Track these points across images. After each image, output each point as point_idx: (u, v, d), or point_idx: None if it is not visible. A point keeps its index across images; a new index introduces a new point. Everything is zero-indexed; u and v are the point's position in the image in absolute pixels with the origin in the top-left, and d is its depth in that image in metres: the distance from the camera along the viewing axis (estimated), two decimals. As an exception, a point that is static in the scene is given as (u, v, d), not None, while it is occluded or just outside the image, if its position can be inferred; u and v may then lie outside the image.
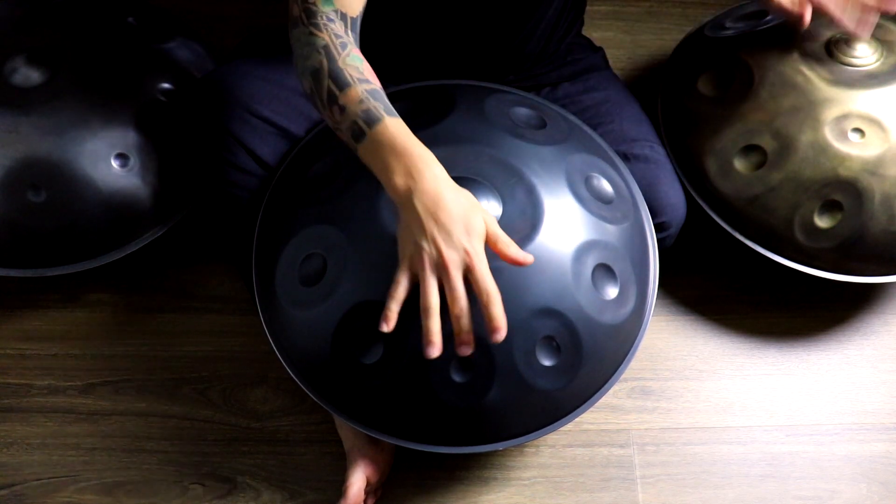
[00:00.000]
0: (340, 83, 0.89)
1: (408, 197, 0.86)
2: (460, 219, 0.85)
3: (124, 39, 1.27)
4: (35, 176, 1.16)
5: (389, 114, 0.89)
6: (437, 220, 0.85)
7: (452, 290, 0.85)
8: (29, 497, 1.15)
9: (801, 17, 1.16)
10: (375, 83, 0.91)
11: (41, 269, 1.20)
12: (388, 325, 0.87)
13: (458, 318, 0.86)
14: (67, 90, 1.19)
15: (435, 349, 0.86)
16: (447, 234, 0.85)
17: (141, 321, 1.29)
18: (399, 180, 0.87)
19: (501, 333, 0.86)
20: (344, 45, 0.91)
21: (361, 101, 0.88)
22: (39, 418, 1.21)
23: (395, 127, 0.88)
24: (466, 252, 0.85)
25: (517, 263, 0.88)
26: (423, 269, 0.85)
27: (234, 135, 1.09)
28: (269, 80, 1.12)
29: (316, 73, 0.90)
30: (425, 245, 0.85)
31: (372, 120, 0.88)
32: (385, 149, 0.87)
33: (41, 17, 1.25)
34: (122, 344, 1.27)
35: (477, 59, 1.20)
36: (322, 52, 0.91)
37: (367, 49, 1.20)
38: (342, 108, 0.89)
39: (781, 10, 1.18)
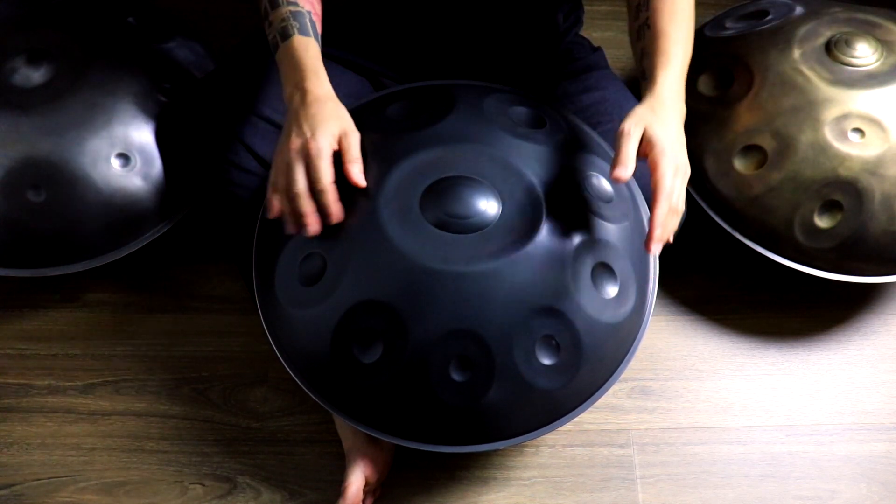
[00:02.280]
0: (273, 3, 1.03)
1: (289, 99, 0.98)
2: (314, 116, 0.95)
3: (124, 39, 1.27)
4: (35, 176, 1.16)
5: (301, 33, 1.00)
6: (297, 118, 0.96)
7: (287, 170, 0.95)
8: (29, 497, 1.15)
9: (616, 165, 0.93)
10: (304, 7, 1.02)
11: (41, 269, 1.20)
12: (271, 213, 0.96)
13: (291, 199, 0.95)
14: (67, 90, 1.19)
15: (276, 215, 0.96)
16: (299, 126, 0.95)
17: (141, 321, 1.29)
18: (288, 89, 0.99)
19: (333, 217, 0.96)
20: None
21: (283, 20, 1.01)
22: (39, 418, 1.21)
23: (300, 43, 1.00)
24: (306, 138, 0.94)
25: (352, 181, 0.95)
26: (278, 153, 0.97)
27: (236, 134, 1.09)
28: (269, 80, 1.12)
29: None
30: (282, 138, 0.97)
31: (285, 35, 1.00)
32: (286, 61, 1.00)
33: (41, 17, 1.25)
34: (122, 344, 1.27)
35: (477, 59, 1.20)
36: None
37: (368, 49, 1.21)
38: (270, 24, 1.03)
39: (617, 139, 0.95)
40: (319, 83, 0.98)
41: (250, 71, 1.13)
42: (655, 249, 0.93)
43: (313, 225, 0.95)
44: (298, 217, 0.95)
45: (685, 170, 0.97)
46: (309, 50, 1.00)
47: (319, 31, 1.05)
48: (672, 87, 0.99)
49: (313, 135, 0.94)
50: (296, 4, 1.02)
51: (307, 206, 0.95)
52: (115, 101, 1.20)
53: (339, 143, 0.96)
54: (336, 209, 0.96)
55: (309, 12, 1.03)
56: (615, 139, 0.94)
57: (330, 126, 0.95)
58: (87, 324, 1.28)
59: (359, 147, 0.97)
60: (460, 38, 1.18)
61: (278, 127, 1.11)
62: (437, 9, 1.14)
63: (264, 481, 1.17)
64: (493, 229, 0.97)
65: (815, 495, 1.19)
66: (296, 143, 0.94)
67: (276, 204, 0.96)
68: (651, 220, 0.92)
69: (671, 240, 0.96)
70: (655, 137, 0.94)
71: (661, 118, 0.96)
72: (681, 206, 0.96)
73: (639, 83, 1.04)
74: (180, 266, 1.33)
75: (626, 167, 0.92)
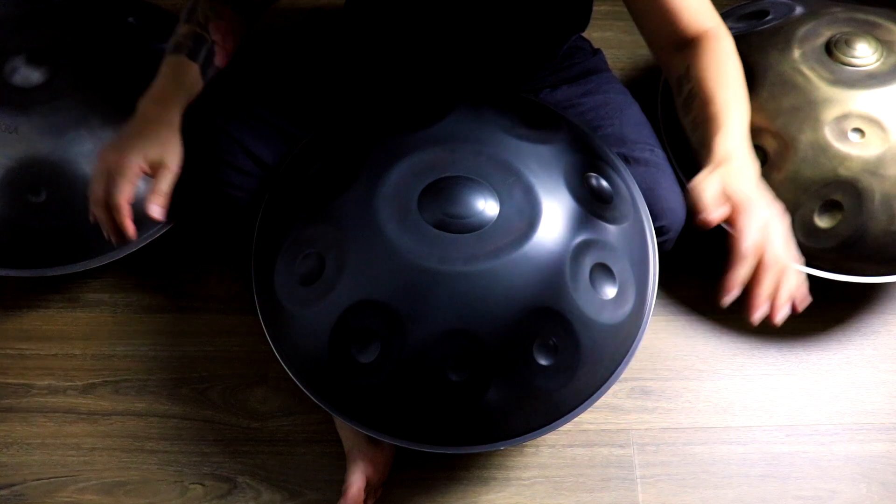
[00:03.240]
0: (189, 16, 1.06)
1: (136, 107, 1.01)
2: (135, 134, 0.97)
3: (124, 39, 1.27)
4: (35, 176, 1.16)
5: (189, 56, 1.03)
6: (128, 129, 0.99)
7: (93, 178, 0.97)
8: (29, 497, 1.15)
9: (704, 223, 0.86)
10: (213, 37, 1.05)
11: (41, 269, 1.20)
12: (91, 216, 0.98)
13: (90, 205, 0.97)
14: (67, 90, 1.19)
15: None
16: (120, 139, 0.98)
17: (141, 321, 1.29)
18: (145, 97, 1.02)
19: (119, 238, 0.98)
20: None
21: (185, 35, 1.05)
22: (39, 418, 1.21)
23: (178, 64, 1.03)
24: (117, 154, 0.95)
25: (147, 210, 0.96)
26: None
27: (232, 136, 1.09)
28: (268, 81, 1.12)
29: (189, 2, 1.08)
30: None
31: (175, 49, 1.04)
32: (161, 73, 1.03)
33: (41, 17, 1.26)
34: (122, 344, 1.27)
35: (476, 62, 1.20)
36: None
37: (368, 52, 1.21)
38: (175, 32, 1.06)
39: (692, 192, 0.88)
40: (166, 107, 1.00)
41: (249, 72, 1.13)
42: (757, 318, 0.83)
43: (113, 235, 0.98)
44: (101, 224, 0.98)
45: (776, 222, 0.85)
46: (184, 74, 1.02)
47: (220, 62, 1.07)
48: (733, 144, 0.89)
49: (126, 152, 0.95)
50: (206, 30, 1.05)
51: (101, 215, 0.97)
52: (115, 101, 1.20)
53: (153, 170, 0.97)
54: (128, 227, 0.96)
55: (213, 43, 1.05)
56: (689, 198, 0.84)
57: (147, 149, 0.96)
58: (87, 324, 1.28)
59: (169, 182, 0.97)
60: (462, 39, 1.18)
61: (275, 127, 1.12)
62: (441, 12, 1.14)
63: (264, 481, 1.17)
64: (492, 229, 0.97)
65: (815, 495, 1.19)
66: (109, 153, 0.96)
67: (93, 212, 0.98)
68: (730, 280, 0.82)
69: (798, 308, 0.84)
70: (730, 191, 0.84)
71: (731, 171, 0.86)
72: (788, 262, 0.84)
73: (694, 154, 0.94)
74: (180, 266, 1.33)
75: (709, 212, 0.83)
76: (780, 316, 0.83)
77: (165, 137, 0.98)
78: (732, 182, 0.86)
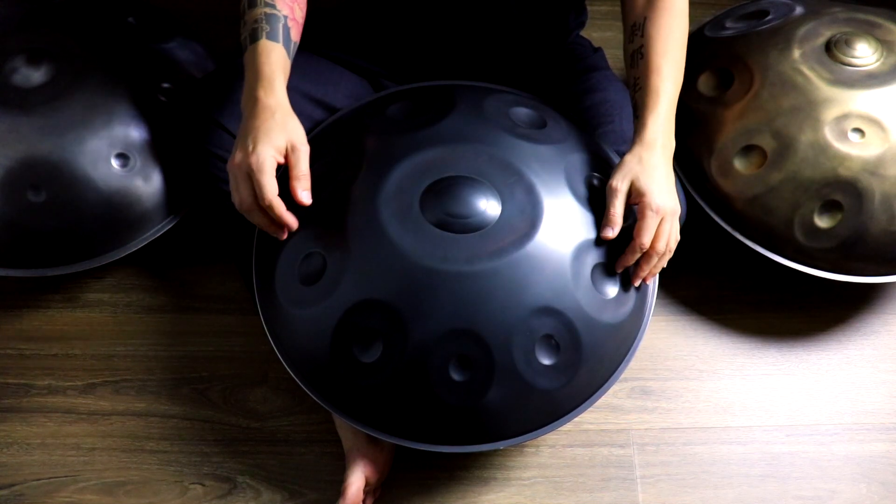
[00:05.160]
0: (251, 3, 1.00)
1: (243, 104, 0.96)
2: (258, 128, 0.92)
3: (124, 39, 1.27)
4: (35, 176, 1.16)
5: (270, 37, 0.97)
6: (242, 130, 0.94)
7: (234, 187, 0.93)
8: (29, 497, 1.15)
9: (604, 226, 0.99)
10: (282, 10, 1.00)
11: (41, 269, 1.20)
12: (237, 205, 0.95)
13: (244, 215, 0.95)
14: (67, 90, 1.19)
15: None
16: (243, 139, 0.93)
17: (141, 321, 1.29)
18: (245, 92, 0.96)
19: (291, 227, 0.96)
20: None
21: (256, 21, 0.98)
22: (39, 418, 1.21)
23: (264, 48, 0.97)
24: (244, 150, 0.92)
25: (296, 198, 0.94)
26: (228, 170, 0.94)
27: (231, 132, 1.09)
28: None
29: None
30: (233, 147, 0.94)
31: (253, 38, 0.98)
32: (249, 65, 0.97)
33: (41, 17, 1.26)
34: (122, 344, 1.27)
35: (477, 59, 1.20)
36: None
37: (368, 50, 1.21)
38: (244, 23, 1.00)
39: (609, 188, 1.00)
40: (272, 92, 0.95)
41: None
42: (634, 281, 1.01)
43: (278, 234, 0.97)
44: (262, 227, 0.97)
45: (673, 213, 0.99)
46: (271, 56, 0.97)
47: (296, 36, 1.02)
48: (661, 128, 1.01)
49: (254, 148, 0.91)
50: (273, 6, 1.00)
51: (260, 220, 0.95)
52: (115, 101, 1.20)
53: (286, 157, 0.94)
54: (288, 220, 0.96)
55: (286, 17, 1.00)
56: (607, 195, 0.99)
57: (274, 138, 0.92)
58: (87, 324, 1.28)
59: (307, 162, 0.95)
60: (463, 39, 1.18)
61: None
62: (440, 10, 1.14)
63: (264, 481, 1.17)
64: (493, 229, 0.97)
65: (815, 495, 1.19)
66: (237, 157, 0.93)
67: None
68: (620, 259, 0.99)
69: (648, 280, 1.03)
70: (642, 188, 0.97)
71: (647, 167, 0.99)
72: (671, 245, 1.01)
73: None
74: (180, 266, 1.33)
75: (614, 227, 0.98)
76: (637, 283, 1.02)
77: (284, 121, 0.94)
78: (646, 178, 0.98)
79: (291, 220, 0.97)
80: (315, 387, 1.03)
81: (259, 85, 0.95)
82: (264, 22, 0.98)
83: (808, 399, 1.27)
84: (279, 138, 0.93)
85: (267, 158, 0.91)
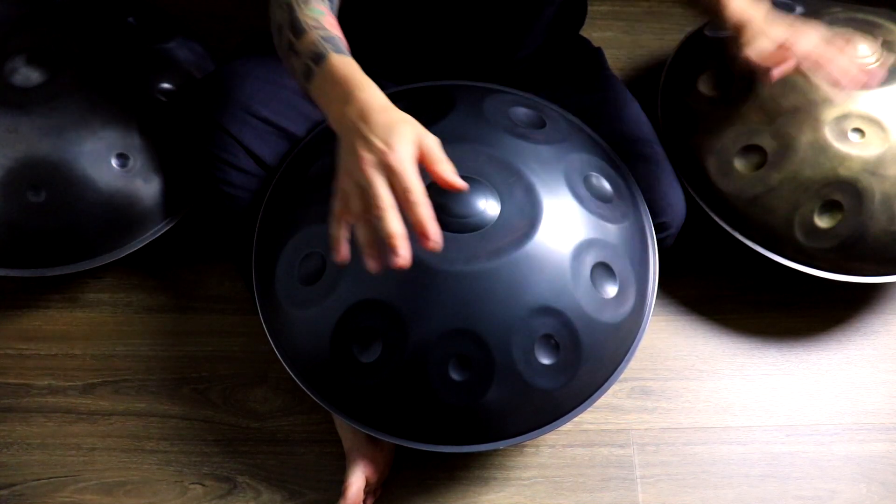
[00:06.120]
0: (297, 31, 0.91)
1: (341, 119, 0.84)
2: (383, 125, 0.82)
3: (124, 39, 1.27)
4: (35, 176, 1.16)
5: (336, 51, 0.89)
6: (360, 130, 0.82)
7: (366, 188, 0.79)
8: (29, 497, 1.15)
9: (767, 71, 1.03)
10: (334, 32, 0.92)
11: (41, 269, 1.20)
12: (339, 254, 0.82)
13: (376, 219, 0.79)
14: (67, 90, 1.19)
15: (337, 255, 0.82)
16: (365, 138, 0.81)
17: (141, 321, 1.29)
18: (337, 107, 0.85)
19: (431, 242, 0.79)
20: (307, 1, 0.94)
21: (313, 44, 0.90)
22: (39, 418, 1.21)
23: (340, 61, 0.88)
24: (381, 150, 0.80)
25: (448, 186, 0.82)
26: (344, 175, 0.83)
27: (233, 135, 1.09)
28: (268, 81, 1.12)
29: (280, 29, 0.93)
30: (345, 155, 0.83)
31: (319, 58, 0.88)
32: (328, 82, 0.87)
33: (41, 17, 1.25)
34: (122, 344, 1.27)
35: (477, 59, 1.21)
36: (285, 7, 0.93)
37: (367, 49, 1.21)
38: (297, 54, 0.91)
39: (748, 63, 1.06)
40: (377, 92, 0.85)
41: (250, 72, 1.13)
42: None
43: (406, 250, 0.78)
44: (390, 239, 0.77)
45: (802, 27, 1.04)
46: (351, 65, 0.87)
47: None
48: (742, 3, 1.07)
49: (390, 145, 0.79)
50: (325, 29, 0.91)
51: (398, 226, 0.78)
52: (115, 101, 1.20)
53: (419, 148, 0.82)
54: (432, 230, 0.79)
55: (338, 37, 0.92)
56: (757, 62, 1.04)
57: (405, 132, 0.81)
58: (87, 324, 1.28)
59: (441, 149, 0.83)
60: (461, 38, 1.18)
61: (275, 127, 1.11)
62: (438, 10, 1.14)
63: (264, 481, 1.17)
64: (493, 229, 0.97)
65: (815, 495, 1.19)
66: (368, 158, 0.79)
67: (343, 243, 0.82)
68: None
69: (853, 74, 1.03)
70: (771, 38, 1.03)
71: (758, 29, 1.05)
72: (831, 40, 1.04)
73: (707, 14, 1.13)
74: (180, 266, 1.33)
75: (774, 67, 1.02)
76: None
77: (402, 114, 0.84)
78: (766, 34, 1.04)
79: (435, 230, 0.79)
80: (315, 387, 1.03)
81: (359, 88, 0.85)
82: (323, 42, 0.89)
83: (808, 399, 1.27)
84: (409, 131, 0.81)
85: (408, 154, 0.79)
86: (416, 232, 0.79)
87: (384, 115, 0.83)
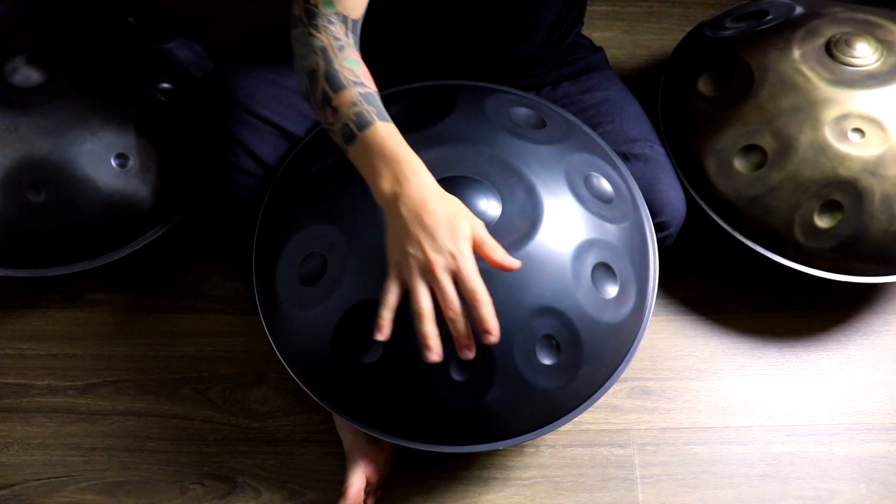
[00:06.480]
0: (335, 85, 0.90)
1: (393, 202, 0.87)
2: (445, 222, 0.85)
3: (124, 39, 1.27)
4: (35, 176, 1.16)
5: (381, 118, 0.89)
6: (422, 225, 0.85)
7: (442, 292, 0.85)
8: (29, 497, 1.15)
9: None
10: (371, 87, 0.92)
11: (41, 269, 1.20)
12: (382, 334, 0.87)
13: (453, 321, 0.86)
14: (67, 90, 1.19)
15: (433, 354, 0.86)
16: (431, 237, 0.85)
17: (141, 321, 1.29)
18: (386, 185, 0.87)
19: (493, 336, 0.86)
20: (342, 48, 0.92)
21: (354, 104, 0.89)
22: (39, 418, 1.21)
23: (386, 131, 0.88)
24: (451, 254, 0.85)
25: (503, 268, 0.88)
26: (410, 274, 0.86)
27: (234, 135, 1.09)
28: (269, 81, 1.12)
29: (312, 74, 0.91)
30: (411, 250, 0.85)
31: (363, 123, 0.88)
32: (374, 153, 0.88)
33: (41, 17, 1.26)
34: (122, 344, 1.27)
35: (476, 59, 1.20)
36: (319, 53, 0.92)
37: (366, 49, 1.21)
38: (335, 110, 0.90)
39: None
40: (427, 175, 0.87)
41: (250, 71, 1.13)
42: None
43: (472, 348, 0.87)
44: (459, 339, 0.86)
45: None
46: (396, 138, 0.88)
47: None
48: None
49: (459, 251, 0.84)
50: (363, 85, 0.91)
51: (467, 329, 0.86)
52: (115, 101, 1.20)
53: (475, 240, 0.87)
54: (494, 327, 0.86)
55: (375, 93, 0.92)
56: None
57: (465, 231, 0.85)
58: (87, 324, 1.28)
59: (488, 234, 0.88)
60: (461, 38, 1.18)
61: (276, 127, 1.11)
62: (438, 9, 1.14)
63: (264, 481, 1.17)
64: (494, 229, 0.97)
65: (815, 495, 1.19)
66: (439, 262, 0.84)
67: (438, 340, 0.86)
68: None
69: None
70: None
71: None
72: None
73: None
74: (180, 266, 1.33)
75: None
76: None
77: (454, 203, 0.88)
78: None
79: (496, 326, 0.86)
80: (315, 387, 1.03)
81: (409, 170, 0.87)
82: (366, 103, 0.89)
83: (808, 399, 1.27)
84: (465, 227, 0.86)
85: (472, 259, 0.85)
86: (478, 329, 0.86)
87: (442, 209, 0.86)
